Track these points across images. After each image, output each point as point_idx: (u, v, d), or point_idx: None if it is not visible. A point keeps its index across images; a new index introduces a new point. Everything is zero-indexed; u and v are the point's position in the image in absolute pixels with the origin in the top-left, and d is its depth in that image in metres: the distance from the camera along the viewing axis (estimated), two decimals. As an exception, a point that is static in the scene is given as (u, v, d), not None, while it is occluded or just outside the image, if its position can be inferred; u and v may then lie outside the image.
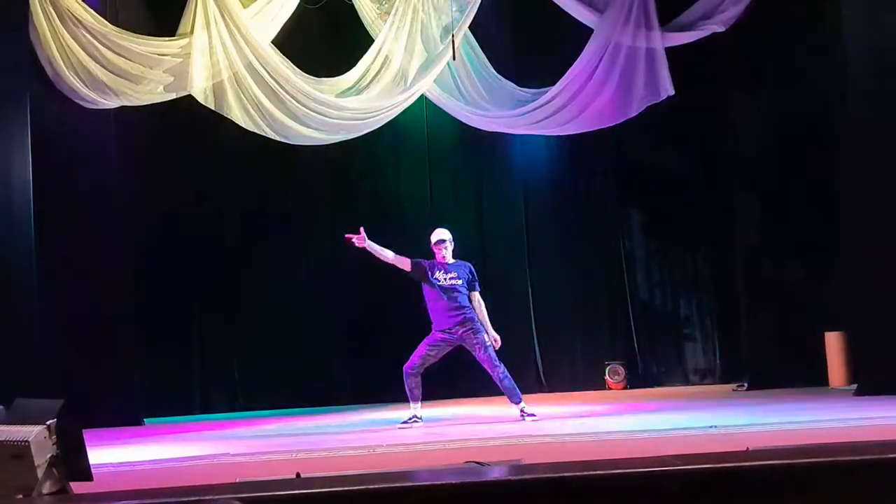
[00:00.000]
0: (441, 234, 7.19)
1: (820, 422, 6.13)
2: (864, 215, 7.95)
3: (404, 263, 7.09)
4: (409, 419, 6.95)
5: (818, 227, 8.83)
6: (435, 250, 7.14)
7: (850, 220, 8.20)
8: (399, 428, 6.85)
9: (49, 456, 3.88)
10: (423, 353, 7.03)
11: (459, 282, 7.08)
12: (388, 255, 7.08)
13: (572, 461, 4.46)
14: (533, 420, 6.91)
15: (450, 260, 7.15)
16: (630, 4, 8.63)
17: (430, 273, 7.06)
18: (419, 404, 7.01)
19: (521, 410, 7.03)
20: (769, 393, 8.36)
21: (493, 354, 6.99)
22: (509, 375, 7.00)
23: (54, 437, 3.92)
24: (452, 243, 7.17)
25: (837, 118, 8.38)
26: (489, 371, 7.03)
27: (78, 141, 8.17)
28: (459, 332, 7.00)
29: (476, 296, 7.12)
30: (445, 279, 7.06)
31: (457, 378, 9.48)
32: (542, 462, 4.50)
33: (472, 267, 7.19)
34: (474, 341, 6.97)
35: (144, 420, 8.25)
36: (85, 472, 4.03)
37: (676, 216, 9.66)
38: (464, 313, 6.99)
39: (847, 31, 7.97)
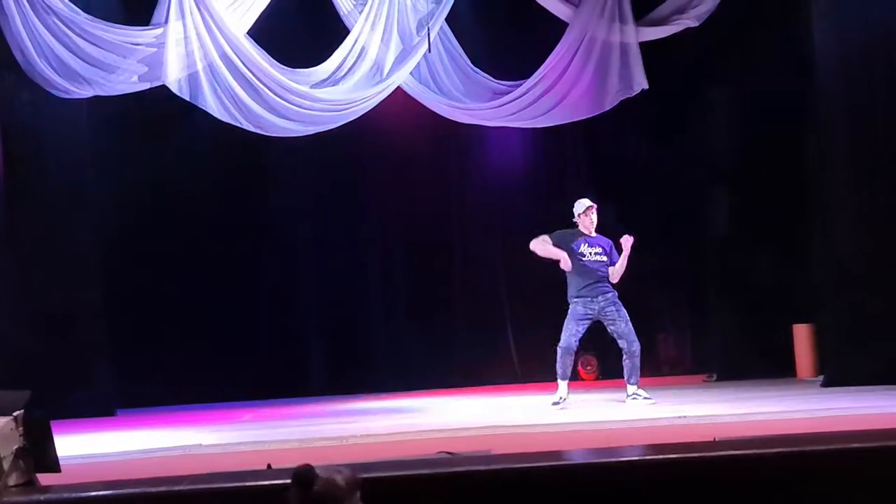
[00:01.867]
0: (588, 202, 7.21)
1: (786, 412, 6.22)
2: (831, 209, 8.07)
3: (560, 255, 7.10)
4: (561, 399, 7.00)
5: (787, 221, 8.94)
6: (583, 219, 7.18)
7: (818, 214, 8.32)
8: (553, 405, 6.93)
9: (15, 447, 3.87)
10: (574, 331, 7.07)
11: (605, 258, 7.17)
12: (552, 251, 7.12)
13: (541, 451, 4.50)
14: (650, 403, 6.89)
15: (593, 233, 7.21)
16: (604, -1, 8.67)
17: (576, 246, 7.12)
18: (567, 384, 7.06)
19: (635, 393, 7.03)
20: (738, 384, 8.46)
21: (633, 329, 7.05)
22: (640, 355, 7.05)
23: (21, 428, 3.90)
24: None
25: (806, 113, 8.49)
26: (625, 345, 7.03)
27: (49, 130, 8.09)
28: (601, 305, 7.07)
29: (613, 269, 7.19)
30: (591, 254, 7.15)
31: (431, 368, 9.53)
32: (512, 452, 4.54)
33: (612, 243, 7.26)
34: (616, 315, 7.05)
35: (116, 410, 8.20)
36: (53, 464, 4.03)
37: (649, 208, 9.72)
38: (605, 286, 7.10)
39: (817, 27, 8.06)
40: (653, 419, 6.17)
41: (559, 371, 7.14)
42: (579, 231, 7.26)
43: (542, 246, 7.23)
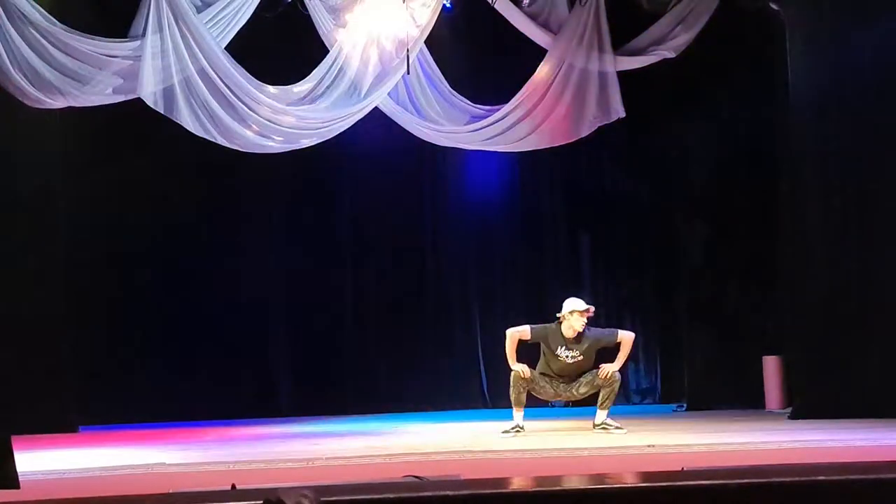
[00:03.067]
0: (580, 307, 6.85)
1: (754, 443, 6.24)
2: (802, 243, 8.15)
3: (523, 336, 7.00)
4: (513, 429, 6.86)
5: (759, 253, 9.04)
6: (568, 320, 6.87)
7: (788, 247, 8.41)
8: (503, 434, 6.79)
9: (-26, 462, 3.77)
10: (535, 378, 6.94)
11: (581, 360, 6.95)
12: (511, 355, 6.99)
13: (510, 477, 4.47)
14: (622, 433, 6.81)
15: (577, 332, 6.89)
16: (584, 27, 8.76)
17: (554, 346, 6.93)
18: (521, 411, 6.92)
19: (605, 423, 6.95)
20: (707, 414, 8.50)
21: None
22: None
23: (-20, 442, 3.81)
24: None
25: (779, 148, 8.61)
26: (608, 372, 6.88)
27: (21, 140, 8.00)
28: (563, 388, 7.03)
29: (622, 336, 7.05)
30: (568, 357, 6.95)
31: (400, 390, 9.48)
32: (481, 478, 4.50)
33: (607, 332, 7.13)
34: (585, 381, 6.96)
35: (79, 427, 8.06)
36: (12, 480, 3.94)
37: (622, 237, 9.80)
38: (574, 383, 6.99)
39: (791, 63, 8.19)
40: (621, 447, 6.16)
41: (512, 397, 6.99)
42: (561, 332, 6.95)
43: (511, 343, 6.99)
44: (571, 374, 7.04)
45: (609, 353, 7.15)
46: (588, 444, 6.38)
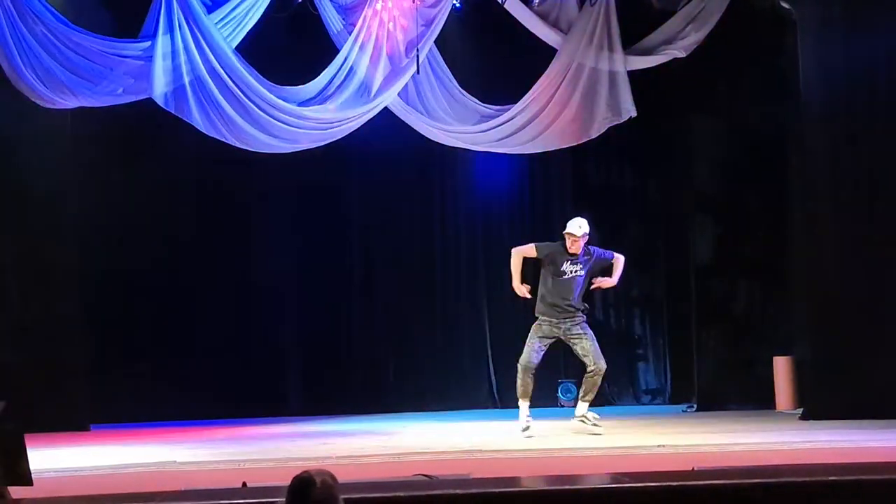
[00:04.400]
0: (583, 229, 7.04)
1: (765, 444, 6.23)
2: (813, 241, 8.12)
3: (529, 252, 7.07)
4: (528, 423, 6.86)
5: (771, 252, 9.01)
6: (571, 240, 7.02)
7: (800, 247, 8.38)
8: (523, 432, 6.80)
9: (-13, 459, 3.80)
10: (536, 347, 6.96)
11: (583, 273, 7.11)
12: (516, 271, 7.05)
13: (520, 476, 4.48)
14: (597, 431, 6.82)
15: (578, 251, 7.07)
16: (593, 27, 8.75)
17: (559, 261, 7.03)
18: (527, 403, 6.93)
19: (583, 416, 6.95)
20: (717, 415, 8.47)
21: (599, 349, 6.96)
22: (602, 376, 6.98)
23: (-6, 439, 3.84)
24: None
25: (791, 144, 8.58)
26: (590, 362, 6.89)
27: (32, 141, 8.04)
28: (567, 326, 7.01)
29: (617, 257, 7.20)
30: (571, 272, 7.05)
31: (410, 390, 9.47)
32: (491, 477, 4.51)
33: (607, 253, 7.27)
34: (583, 334, 6.98)
35: (90, 426, 8.10)
36: (25, 477, 3.97)
37: (632, 235, 9.77)
38: (574, 308, 7.03)
39: (802, 61, 8.16)
40: (632, 447, 6.16)
41: (519, 389, 7.01)
42: (566, 248, 7.09)
43: (516, 262, 7.12)
44: (569, 293, 7.05)
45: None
46: (598, 444, 6.37)
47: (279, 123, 8.27)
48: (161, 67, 7.83)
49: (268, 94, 8.20)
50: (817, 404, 7.85)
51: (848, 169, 7.99)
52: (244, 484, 4.31)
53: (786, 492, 3.98)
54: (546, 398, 9.53)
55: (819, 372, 7.99)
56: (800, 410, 8.24)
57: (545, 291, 7.12)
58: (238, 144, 8.20)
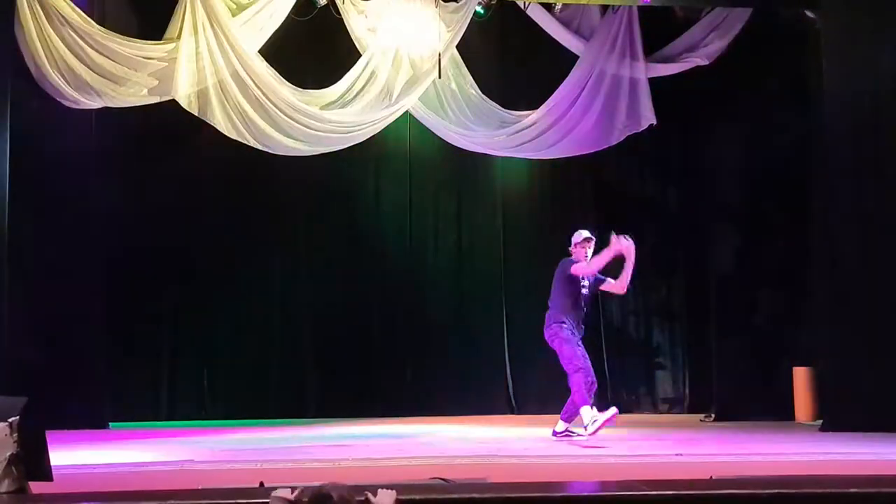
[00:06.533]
0: (587, 233, 7.09)
1: (783, 454, 6.18)
2: (833, 253, 8.06)
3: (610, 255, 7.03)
4: (593, 421, 6.72)
5: (791, 262, 8.95)
6: (578, 250, 7.05)
7: (820, 257, 8.32)
8: (590, 434, 6.70)
9: (9, 454, 3.83)
10: (581, 353, 6.95)
11: (590, 289, 7.19)
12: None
13: (536, 482, 4.46)
14: (578, 438, 6.81)
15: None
16: (616, 34, 8.75)
17: (580, 276, 7.06)
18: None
19: (566, 430, 6.97)
20: (735, 425, 8.42)
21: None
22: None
23: (16, 434, 3.87)
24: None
25: (813, 154, 8.53)
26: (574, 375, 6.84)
27: (57, 141, 8.10)
28: (582, 333, 7.10)
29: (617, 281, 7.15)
30: (583, 287, 7.11)
31: (427, 395, 9.47)
32: (508, 482, 4.50)
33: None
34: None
35: (109, 424, 8.16)
36: (45, 472, 4.00)
37: (652, 244, 9.73)
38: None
39: (826, 70, 8.11)
40: (650, 455, 6.13)
41: (584, 400, 6.78)
42: (574, 262, 7.11)
43: (597, 260, 6.99)
44: (584, 308, 7.12)
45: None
46: (616, 451, 6.35)
47: (301, 126, 8.32)
48: (185, 69, 7.89)
49: (290, 97, 8.24)
50: (838, 416, 7.78)
51: (871, 180, 7.93)
52: (261, 484, 4.32)
53: (806, 502, 3.95)
54: (563, 405, 9.51)
55: (839, 383, 7.92)
56: (819, 422, 8.18)
57: (558, 301, 7.14)
58: (260, 147, 8.25)
